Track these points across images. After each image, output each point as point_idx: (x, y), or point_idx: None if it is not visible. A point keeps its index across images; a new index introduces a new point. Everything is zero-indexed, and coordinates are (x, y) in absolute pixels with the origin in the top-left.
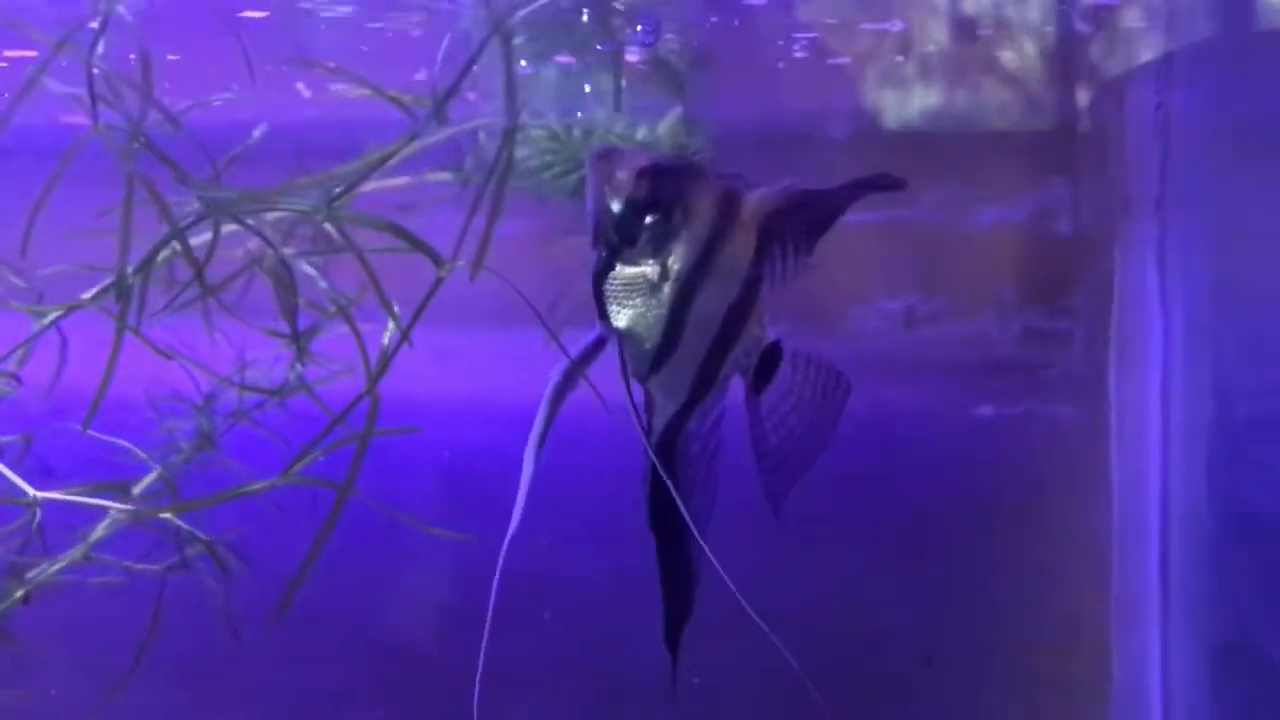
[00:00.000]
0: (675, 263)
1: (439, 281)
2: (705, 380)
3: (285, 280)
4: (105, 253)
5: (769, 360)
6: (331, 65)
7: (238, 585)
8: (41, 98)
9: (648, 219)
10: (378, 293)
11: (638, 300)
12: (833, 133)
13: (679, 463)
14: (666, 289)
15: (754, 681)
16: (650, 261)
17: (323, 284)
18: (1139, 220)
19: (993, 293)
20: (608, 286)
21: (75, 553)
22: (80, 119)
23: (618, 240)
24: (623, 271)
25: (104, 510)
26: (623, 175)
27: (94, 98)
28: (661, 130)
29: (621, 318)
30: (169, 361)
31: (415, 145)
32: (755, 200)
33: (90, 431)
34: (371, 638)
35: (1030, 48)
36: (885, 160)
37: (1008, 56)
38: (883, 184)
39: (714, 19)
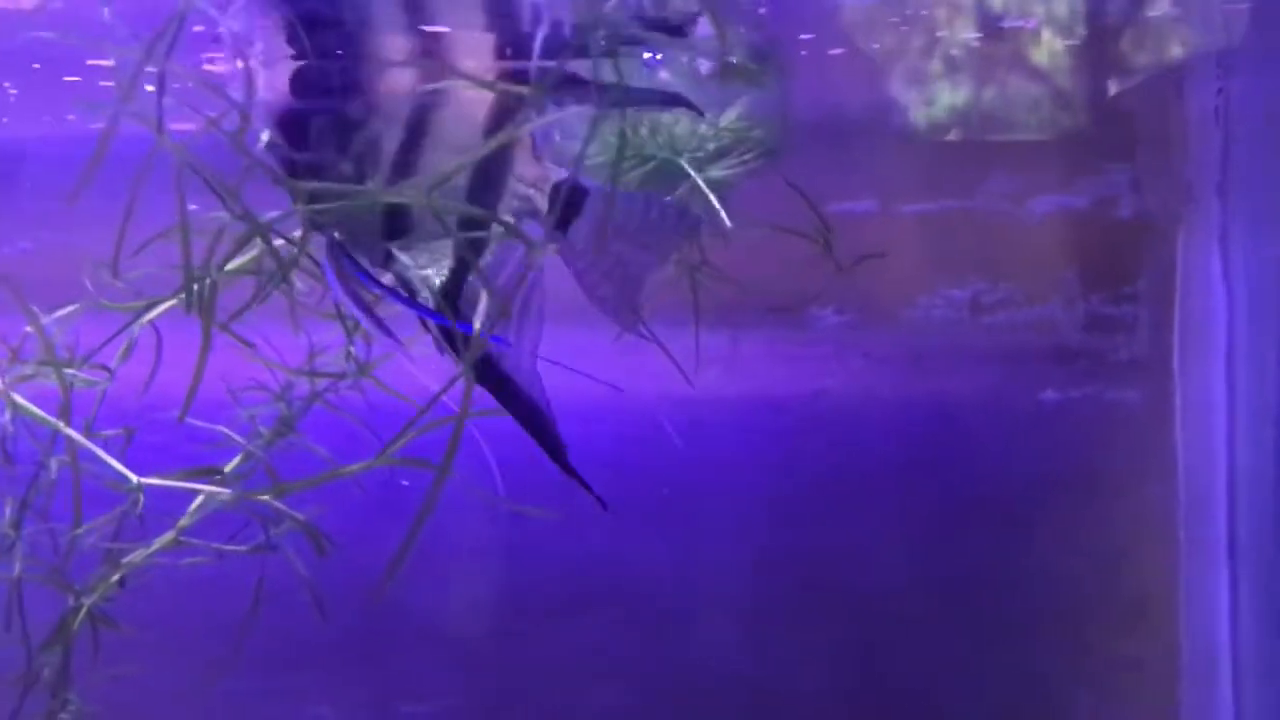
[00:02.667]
0: (376, 152)
1: (530, 268)
2: (470, 239)
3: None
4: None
5: (570, 198)
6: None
7: (316, 569)
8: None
9: (316, 117)
10: (479, 274)
11: (338, 195)
12: (895, 122)
13: (471, 311)
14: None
15: (822, 661)
16: (334, 150)
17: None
18: (1201, 204)
19: (1057, 279)
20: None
21: (166, 537)
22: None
23: (288, 146)
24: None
25: (192, 496)
26: (276, 81)
27: (160, 108)
28: (725, 122)
29: (331, 219)
30: (242, 354)
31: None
32: (485, 52)
33: (189, 420)
34: (444, 625)
35: (1091, 35)
36: (946, 149)
37: (1068, 45)
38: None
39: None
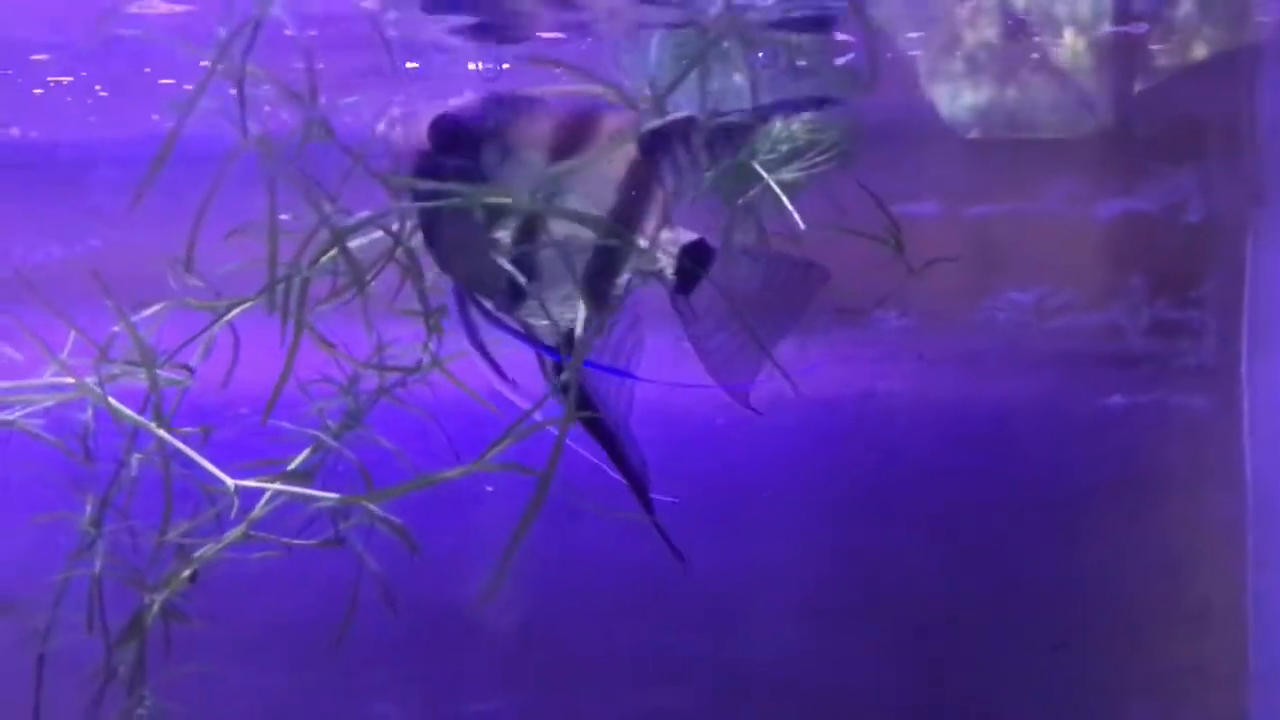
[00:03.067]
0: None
1: (629, 271)
2: (597, 295)
3: (415, 269)
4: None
5: (694, 260)
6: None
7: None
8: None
9: (448, 166)
10: (573, 277)
11: (469, 244)
12: (959, 125)
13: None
14: (510, 223)
15: (883, 667)
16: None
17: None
18: (1270, 208)
19: (1123, 283)
20: (436, 236)
21: (236, 531)
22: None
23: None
24: (446, 217)
25: (260, 490)
26: (414, 131)
27: (243, 103)
28: (796, 126)
29: (459, 265)
30: (310, 349)
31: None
32: (622, 120)
33: (254, 415)
34: (506, 624)
35: (1159, 36)
36: (1011, 152)
37: (1136, 47)
38: (802, 106)
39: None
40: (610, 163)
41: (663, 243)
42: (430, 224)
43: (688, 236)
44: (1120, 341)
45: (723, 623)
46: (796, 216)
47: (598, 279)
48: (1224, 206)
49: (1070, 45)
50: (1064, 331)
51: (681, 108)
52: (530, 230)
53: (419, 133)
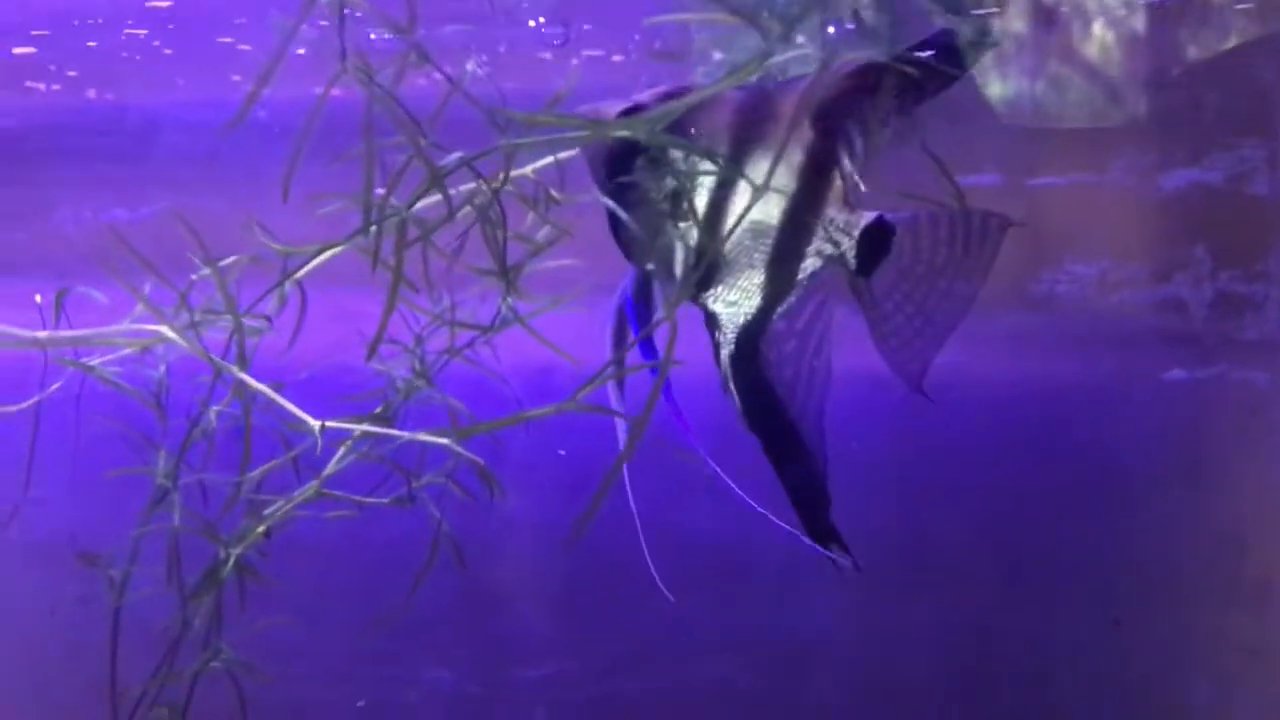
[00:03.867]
0: (692, 182)
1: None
2: (780, 280)
3: (496, 216)
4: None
5: (874, 240)
6: None
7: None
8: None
9: (638, 155)
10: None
11: (656, 231)
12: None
13: (768, 364)
14: (691, 207)
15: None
16: (656, 190)
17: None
18: None
19: (1186, 256)
20: (622, 224)
21: (309, 487)
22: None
23: (615, 182)
24: (635, 208)
25: (332, 450)
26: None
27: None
28: None
29: (646, 253)
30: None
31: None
32: (797, 95)
33: (373, 364)
34: (557, 592)
35: (1227, 7)
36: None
37: (1204, 18)
38: (938, 42)
39: None
40: (777, 151)
41: (841, 224)
42: (618, 213)
43: (867, 216)
44: (1182, 315)
45: (776, 595)
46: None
47: (781, 262)
48: None
49: (1133, 14)
50: (1126, 305)
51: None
52: (716, 216)
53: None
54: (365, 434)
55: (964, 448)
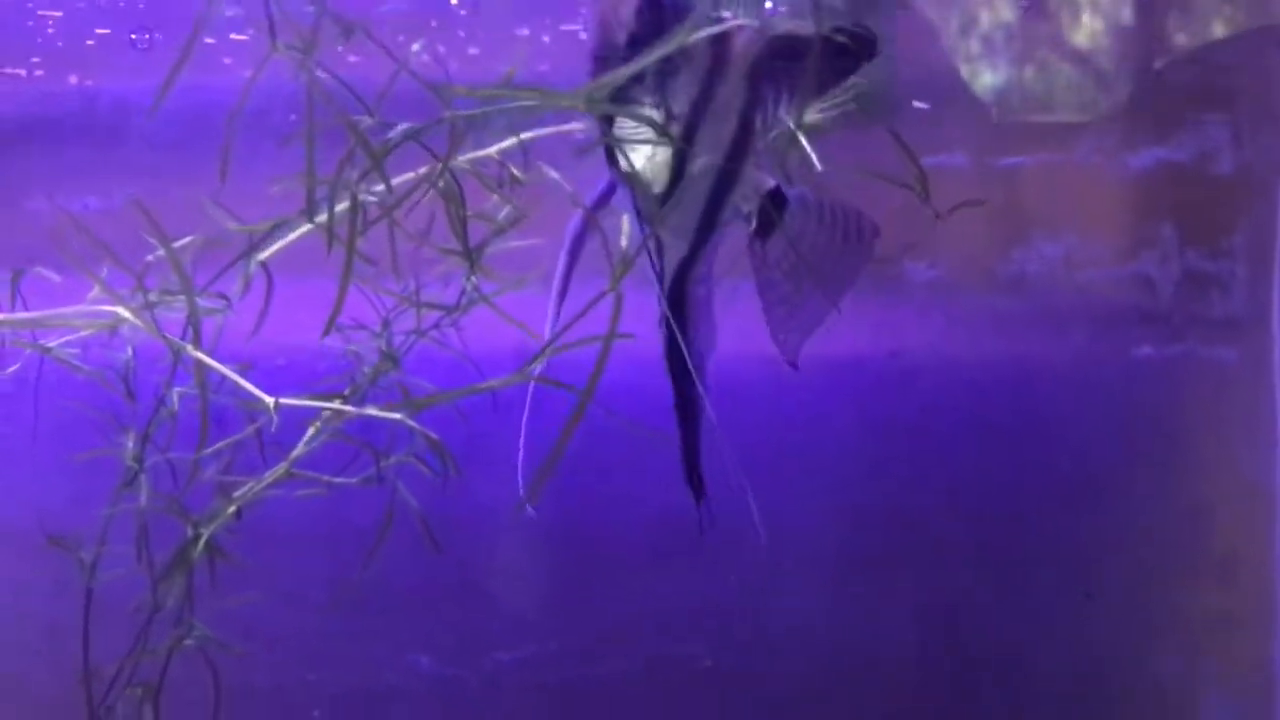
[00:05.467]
0: (675, 103)
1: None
2: (708, 224)
3: (454, 193)
4: (293, 203)
5: (772, 206)
6: None
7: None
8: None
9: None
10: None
11: (644, 142)
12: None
13: (687, 305)
14: (672, 129)
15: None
16: (653, 100)
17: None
18: None
19: (1153, 234)
20: (616, 129)
21: (280, 468)
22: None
23: (624, 78)
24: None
25: (301, 431)
26: (623, 10)
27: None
28: None
29: (631, 159)
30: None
31: None
32: (744, 41)
33: (286, 361)
34: (532, 573)
35: None
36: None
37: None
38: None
39: None
40: (731, 91)
41: (754, 184)
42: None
43: (770, 181)
44: (1151, 293)
45: (754, 575)
46: (814, 158)
47: (713, 207)
48: (1255, 156)
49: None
50: (1094, 283)
51: None
52: (688, 140)
53: (625, 11)
54: (323, 411)
55: (935, 428)
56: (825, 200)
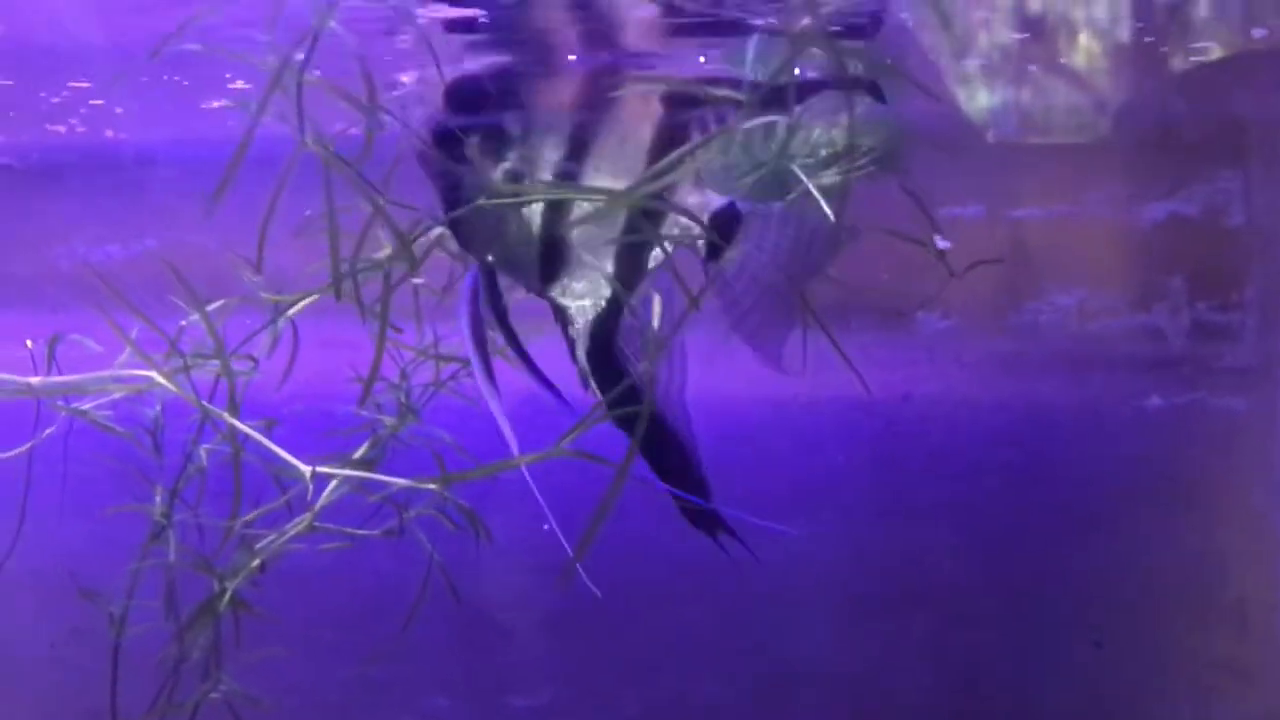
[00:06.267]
0: (534, 167)
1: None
2: (630, 269)
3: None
4: (318, 253)
5: (724, 226)
6: None
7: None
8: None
9: (471, 132)
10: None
11: (496, 217)
12: (1007, 131)
13: (624, 358)
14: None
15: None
16: (495, 173)
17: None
18: None
19: (1164, 285)
20: (459, 216)
21: (302, 521)
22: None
23: (443, 162)
24: (467, 196)
25: (325, 482)
26: (429, 97)
27: (301, 117)
28: (836, 130)
29: (486, 240)
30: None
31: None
32: (647, 85)
33: (307, 410)
34: (547, 618)
35: (1202, 44)
36: (1055, 154)
37: (1180, 53)
38: (842, 84)
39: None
40: (636, 127)
41: (696, 207)
42: (451, 201)
43: (716, 201)
44: (1161, 343)
45: (760, 617)
46: (830, 212)
47: (631, 253)
48: (1264, 210)
49: (1104, 49)
50: (1106, 333)
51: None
52: (558, 205)
53: (435, 99)
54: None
55: (948, 472)
56: (784, 210)
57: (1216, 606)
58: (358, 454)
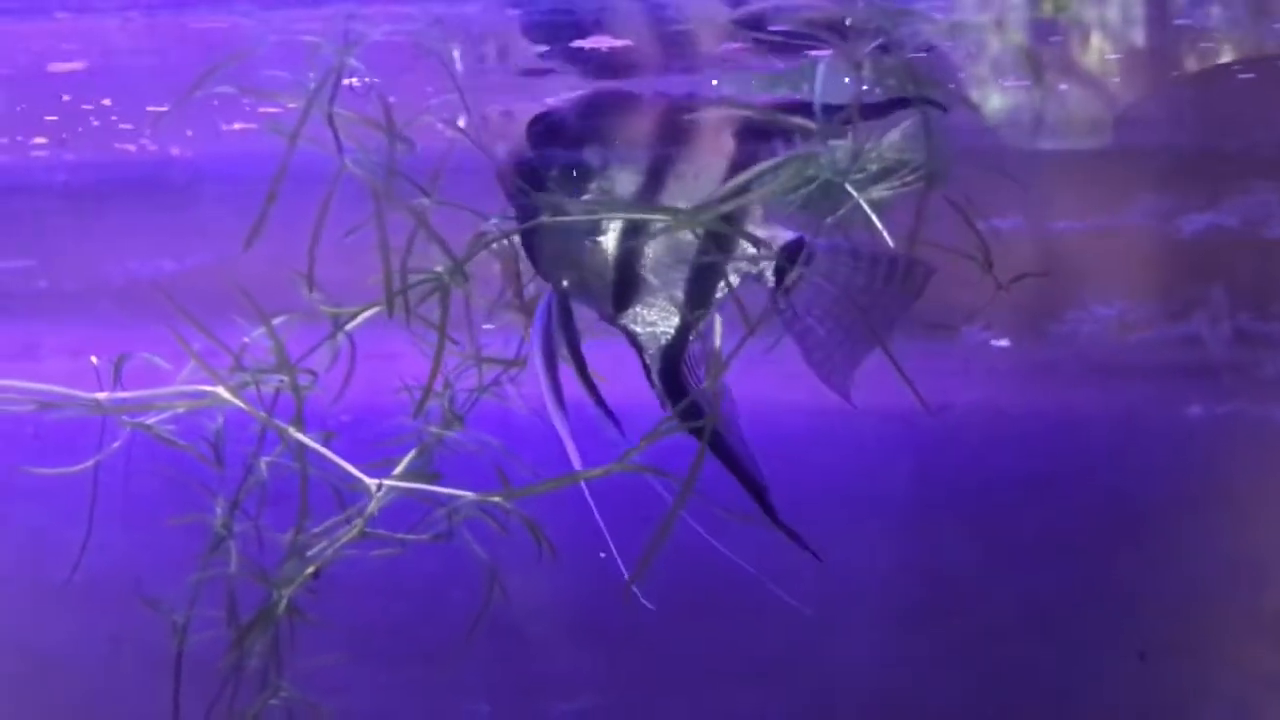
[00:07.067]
0: (612, 198)
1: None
2: (698, 298)
3: (511, 255)
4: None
5: (794, 258)
6: None
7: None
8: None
9: (552, 165)
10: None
11: (573, 245)
12: (1049, 142)
13: (689, 385)
14: (607, 225)
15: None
16: (574, 203)
17: None
18: None
19: (1205, 296)
20: (536, 242)
21: (354, 528)
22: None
23: (526, 191)
24: (549, 220)
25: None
26: (514, 129)
27: (338, 139)
28: (885, 146)
29: (562, 270)
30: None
31: None
32: (721, 116)
33: (351, 420)
34: (590, 624)
35: (1246, 53)
36: (1099, 169)
37: (1220, 63)
38: (893, 106)
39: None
40: (710, 159)
41: (761, 241)
42: (531, 230)
43: (785, 235)
44: (1201, 353)
45: (803, 627)
46: (885, 234)
47: (701, 281)
48: None
49: (1142, 60)
50: (1146, 343)
51: None
52: (634, 233)
53: (517, 131)
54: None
55: (987, 482)
56: (860, 246)
57: (1258, 616)
58: (403, 464)
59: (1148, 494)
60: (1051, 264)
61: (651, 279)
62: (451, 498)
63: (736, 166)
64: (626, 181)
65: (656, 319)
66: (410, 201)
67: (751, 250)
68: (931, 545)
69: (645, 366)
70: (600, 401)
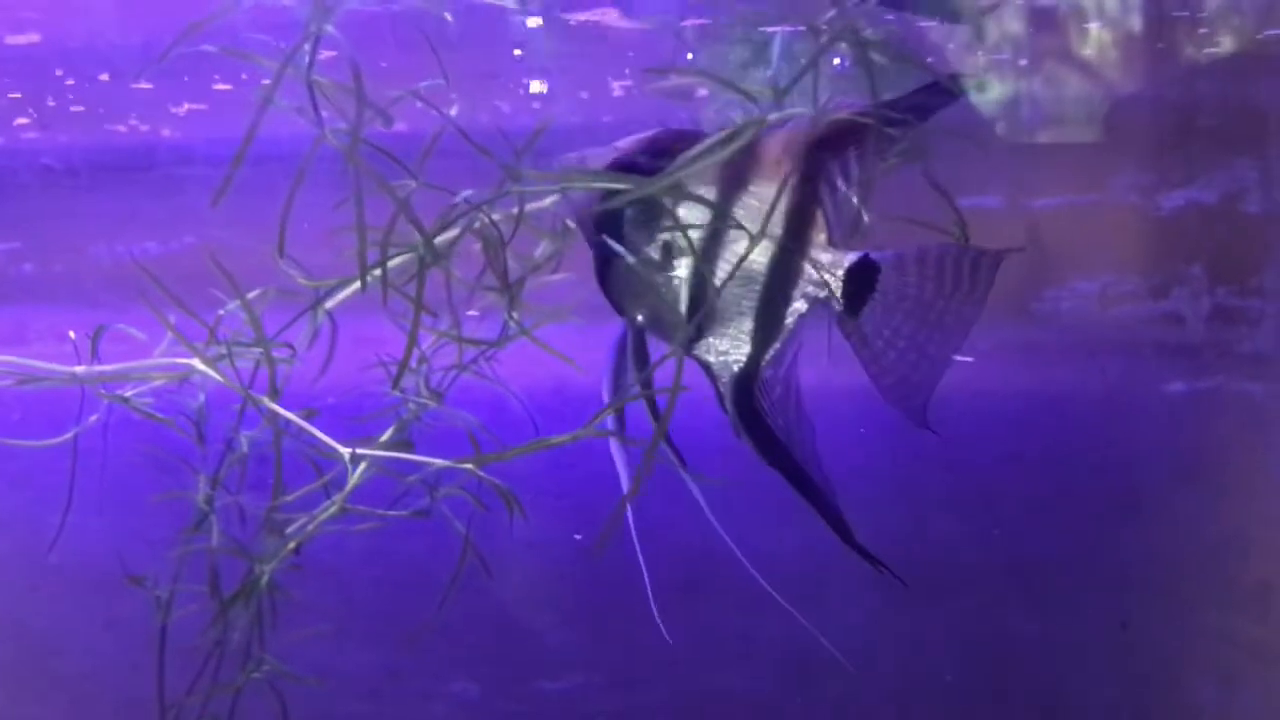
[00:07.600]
0: (678, 234)
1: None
2: (769, 325)
3: (494, 238)
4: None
5: (860, 279)
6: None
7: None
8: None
9: (627, 207)
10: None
11: (646, 282)
12: (1026, 119)
13: (764, 411)
14: (680, 260)
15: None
16: (646, 243)
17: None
18: None
19: (1184, 272)
20: (612, 279)
21: (332, 505)
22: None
23: (602, 235)
24: (621, 260)
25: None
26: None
27: (316, 109)
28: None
29: (637, 305)
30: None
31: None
32: (779, 143)
33: (331, 400)
34: (577, 603)
35: (1225, 32)
36: (1075, 146)
37: (1199, 41)
38: (937, 92)
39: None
40: (761, 199)
41: (827, 266)
42: (607, 268)
43: (850, 256)
44: (1181, 329)
45: (795, 604)
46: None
47: (771, 308)
48: None
49: (1121, 39)
50: (1127, 319)
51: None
52: (706, 265)
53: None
54: (391, 458)
55: (972, 459)
56: (925, 254)
57: (1238, 588)
58: (384, 437)
59: (1131, 468)
60: (1033, 240)
61: (723, 309)
62: (424, 466)
63: (800, 198)
64: (695, 216)
65: (729, 348)
66: (395, 182)
67: (820, 274)
68: (918, 520)
69: (719, 394)
70: (668, 440)
